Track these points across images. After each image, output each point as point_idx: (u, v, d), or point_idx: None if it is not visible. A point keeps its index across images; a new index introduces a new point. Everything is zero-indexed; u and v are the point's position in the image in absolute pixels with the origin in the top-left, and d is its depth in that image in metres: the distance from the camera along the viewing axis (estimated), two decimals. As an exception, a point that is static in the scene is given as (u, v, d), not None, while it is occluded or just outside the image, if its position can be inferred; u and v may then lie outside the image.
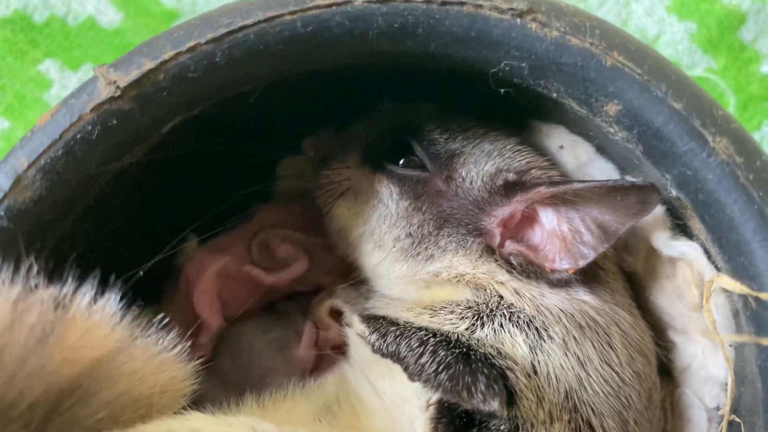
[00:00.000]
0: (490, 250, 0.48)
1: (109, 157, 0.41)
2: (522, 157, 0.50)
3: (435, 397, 0.40)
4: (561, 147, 0.51)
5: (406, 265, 0.49)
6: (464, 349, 0.41)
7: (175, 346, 0.40)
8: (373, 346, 0.44)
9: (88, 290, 0.37)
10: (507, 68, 0.42)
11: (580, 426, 0.42)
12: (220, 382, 0.49)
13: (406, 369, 0.41)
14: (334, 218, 0.52)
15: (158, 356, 0.39)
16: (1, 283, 0.35)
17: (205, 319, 0.50)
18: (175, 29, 0.41)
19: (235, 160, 0.50)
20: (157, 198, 0.52)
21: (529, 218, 0.48)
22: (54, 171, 0.39)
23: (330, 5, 0.40)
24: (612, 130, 0.43)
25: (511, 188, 0.48)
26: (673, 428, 0.49)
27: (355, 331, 0.46)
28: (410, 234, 0.49)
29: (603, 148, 0.49)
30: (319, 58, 0.42)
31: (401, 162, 0.51)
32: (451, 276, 0.48)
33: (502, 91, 0.44)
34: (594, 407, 0.43)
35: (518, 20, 0.40)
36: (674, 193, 0.42)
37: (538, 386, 0.42)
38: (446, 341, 0.42)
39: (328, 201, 0.52)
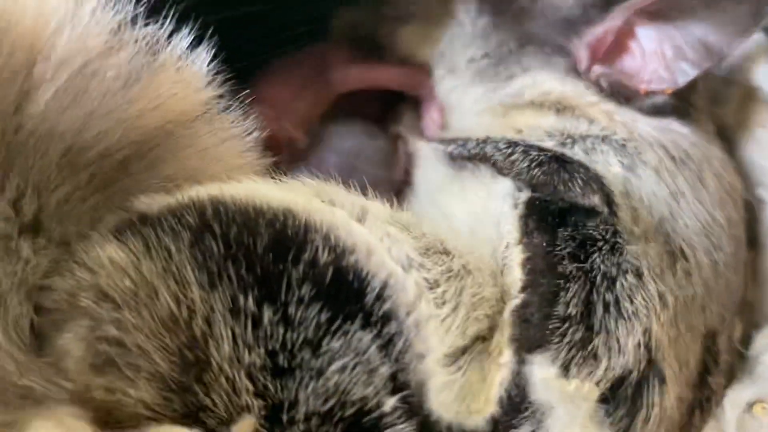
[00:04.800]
0: (576, 72, 0.44)
1: None
2: None
3: (524, 195, 0.37)
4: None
5: (483, 88, 0.46)
6: (557, 154, 0.39)
7: (255, 134, 0.36)
8: (451, 154, 0.41)
9: (183, 37, 0.33)
10: None
11: (674, 252, 0.38)
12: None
13: (494, 165, 0.38)
14: (400, 44, 0.49)
15: (237, 139, 0.35)
16: (102, 8, 0.31)
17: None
18: None
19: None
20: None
21: (621, 42, 0.44)
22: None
23: None
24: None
25: (611, 2, 0.43)
26: (753, 298, 0.45)
27: (429, 147, 0.43)
28: (487, 54, 0.46)
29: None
30: None
31: None
32: (535, 96, 0.44)
33: None
34: (686, 240, 0.39)
35: None
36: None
37: (632, 207, 0.39)
38: (536, 146, 0.39)
39: (393, 28, 0.49)
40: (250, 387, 0.28)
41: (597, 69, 0.44)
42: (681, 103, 0.43)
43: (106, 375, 0.28)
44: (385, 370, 0.28)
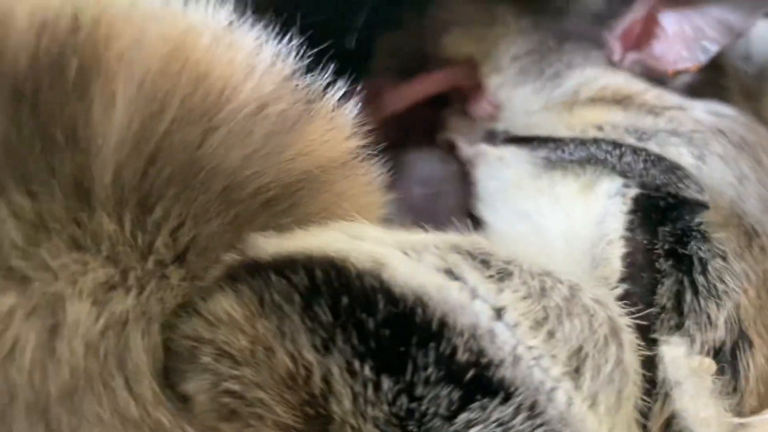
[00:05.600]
0: (613, 63, 0.47)
1: None
2: None
3: (633, 192, 0.40)
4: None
5: (530, 86, 0.47)
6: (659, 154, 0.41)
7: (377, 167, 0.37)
8: (548, 158, 0.42)
9: (338, 89, 0.35)
10: None
11: (749, 231, 0.41)
12: (408, 210, 0.45)
13: (613, 168, 0.40)
14: (444, 49, 0.51)
15: (368, 179, 0.36)
16: (277, 59, 0.33)
17: None
18: None
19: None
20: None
21: (648, 30, 0.46)
22: None
23: None
24: None
25: None
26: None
27: (510, 154, 0.44)
28: (530, 51, 0.48)
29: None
30: None
31: None
32: (595, 92, 0.46)
33: None
34: (755, 219, 0.42)
35: None
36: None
37: (710, 196, 0.41)
38: (640, 147, 0.41)
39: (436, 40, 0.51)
40: (378, 434, 0.29)
41: (630, 56, 0.47)
42: (714, 86, 0.46)
43: (233, 422, 0.30)
44: None
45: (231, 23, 0.33)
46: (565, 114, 0.46)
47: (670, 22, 0.46)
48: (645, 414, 0.34)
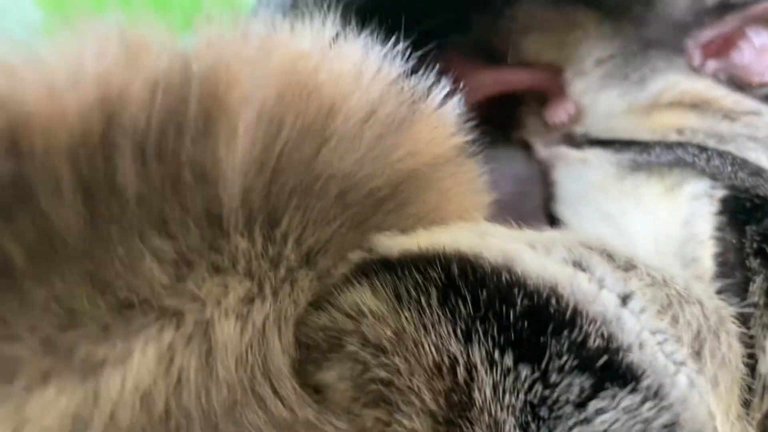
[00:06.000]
0: (695, 69, 0.47)
1: None
2: None
3: (720, 193, 0.41)
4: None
5: (616, 90, 0.48)
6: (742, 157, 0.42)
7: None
8: (635, 161, 0.43)
9: (442, 88, 0.36)
10: None
11: None
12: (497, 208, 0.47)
13: (701, 170, 0.41)
14: (524, 53, 0.51)
15: (473, 181, 0.38)
16: (381, 59, 0.35)
17: None
18: None
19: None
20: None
21: (732, 41, 0.47)
22: None
23: None
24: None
25: (724, 9, 0.46)
26: None
27: (594, 155, 0.46)
28: (613, 55, 0.48)
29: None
30: None
31: None
32: (674, 96, 0.47)
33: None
34: None
35: None
36: None
37: None
38: (726, 151, 0.42)
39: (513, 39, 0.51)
40: (513, 422, 0.31)
41: (711, 64, 0.47)
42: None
43: (378, 408, 0.32)
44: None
45: (337, 35, 0.35)
46: (644, 118, 0.48)
47: (759, 36, 0.46)
48: (746, 404, 0.36)
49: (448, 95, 0.37)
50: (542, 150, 0.50)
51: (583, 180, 0.47)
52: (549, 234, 0.35)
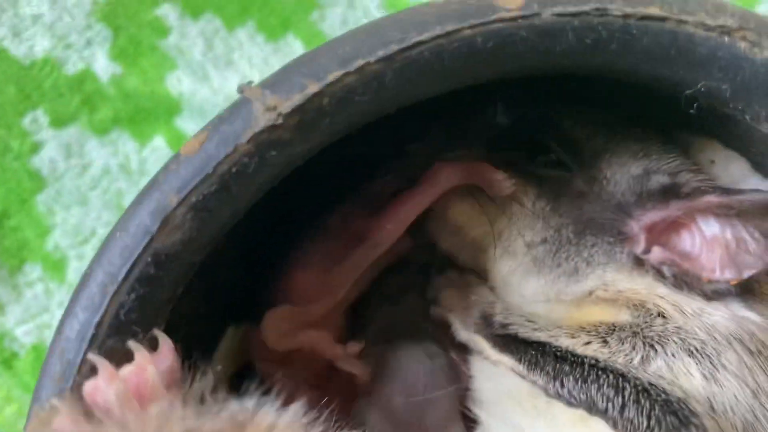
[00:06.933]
0: (640, 261, 0.44)
1: (259, 190, 0.36)
2: (671, 159, 0.45)
3: None
4: (712, 161, 0.47)
5: (544, 280, 0.44)
6: (662, 395, 0.38)
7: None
8: (545, 390, 0.40)
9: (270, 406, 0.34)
10: (703, 89, 0.37)
11: None
12: (389, 421, 0.44)
13: (614, 424, 0.38)
14: (450, 217, 0.47)
15: None
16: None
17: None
18: (336, 44, 0.35)
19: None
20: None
21: (677, 224, 0.43)
22: (206, 209, 0.34)
23: (515, 18, 0.35)
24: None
25: (668, 193, 0.43)
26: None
27: (506, 364, 0.43)
28: (545, 240, 0.45)
29: (760, 165, 0.45)
30: (488, 73, 0.37)
31: (539, 160, 0.46)
32: (609, 295, 0.44)
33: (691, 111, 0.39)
34: None
35: (726, 38, 0.36)
36: None
37: (717, 423, 0.39)
38: (641, 387, 0.39)
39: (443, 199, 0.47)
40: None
41: (657, 252, 0.43)
42: (744, 284, 0.42)
43: None
44: None
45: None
46: (572, 309, 0.44)
47: (710, 227, 0.42)
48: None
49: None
50: (461, 332, 0.47)
51: (498, 384, 0.43)
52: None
